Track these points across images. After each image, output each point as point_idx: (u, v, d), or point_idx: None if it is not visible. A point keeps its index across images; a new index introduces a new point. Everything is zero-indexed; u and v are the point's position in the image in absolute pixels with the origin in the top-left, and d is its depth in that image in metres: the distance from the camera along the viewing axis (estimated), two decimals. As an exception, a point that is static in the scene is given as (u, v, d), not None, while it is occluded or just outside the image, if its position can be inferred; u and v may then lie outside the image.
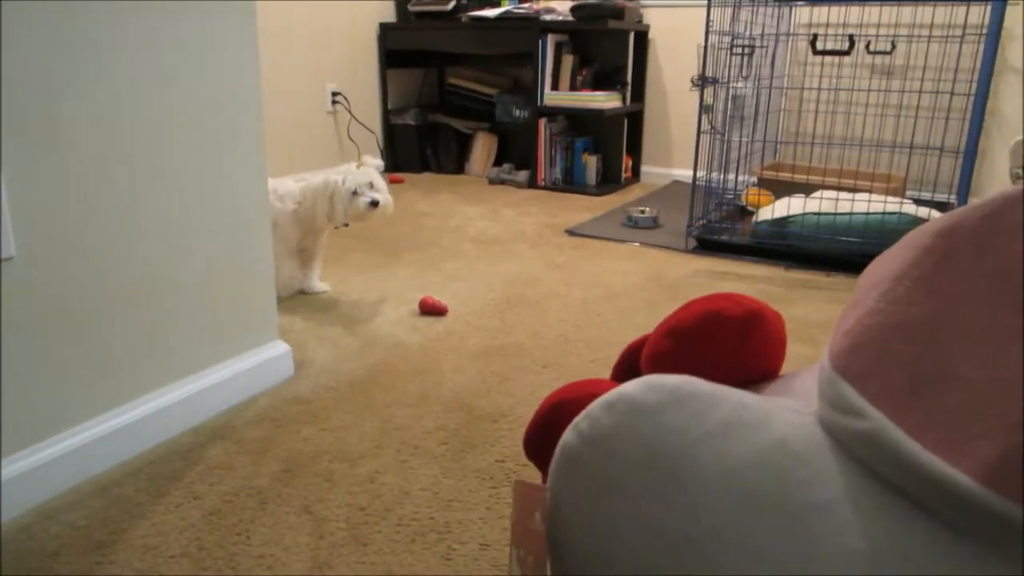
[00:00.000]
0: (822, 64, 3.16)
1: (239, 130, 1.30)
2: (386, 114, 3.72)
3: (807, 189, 2.53)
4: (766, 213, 2.36)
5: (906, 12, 2.92)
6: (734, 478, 0.41)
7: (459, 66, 3.91)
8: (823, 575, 0.38)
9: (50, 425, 1.09)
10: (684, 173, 3.56)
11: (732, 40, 2.40)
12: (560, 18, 3.29)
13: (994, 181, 2.67)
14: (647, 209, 2.73)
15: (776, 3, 2.77)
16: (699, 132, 2.38)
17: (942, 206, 2.65)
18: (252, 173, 1.35)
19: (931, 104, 2.94)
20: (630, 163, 3.62)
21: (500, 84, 3.78)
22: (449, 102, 3.90)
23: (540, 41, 3.25)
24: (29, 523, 1.03)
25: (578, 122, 3.54)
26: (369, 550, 0.99)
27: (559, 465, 0.48)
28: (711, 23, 2.26)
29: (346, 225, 1.92)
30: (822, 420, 0.44)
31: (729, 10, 2.37)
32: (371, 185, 1.87)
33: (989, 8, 2.19)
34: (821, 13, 3.09)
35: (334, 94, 3.41)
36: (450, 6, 3.49)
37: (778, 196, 2.52)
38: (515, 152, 3.71)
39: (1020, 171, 1.84)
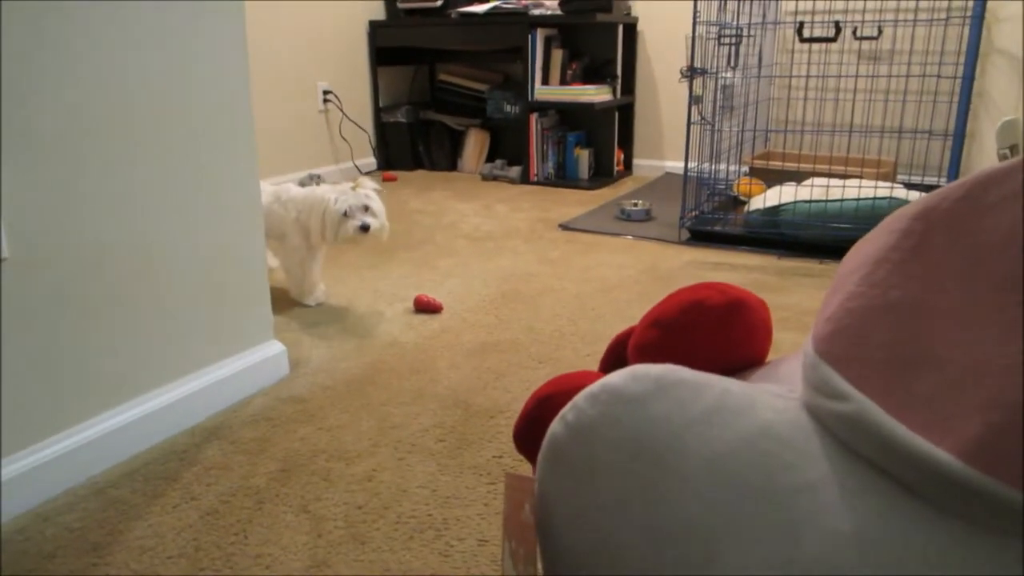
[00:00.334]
0: (810, 51, 3.16)
1: (230, 130, 1.30)
2: (377, 112, 3.71)
3: (798, 177, 2.54)
4: (758, 202, 2.37)
5: (893, -2, 2.92)
6: (719, 464, 0.42)
7: (449, 62, 3.90)
8: (809, 557, 0.38)
9: (45, 427, 1.09)
10: (676, 165, 3.56)
11: (720, 30, 2.40)
12: (549, 12, 3.29)
13: (983, 162, 2.68)
14: (640, 202, 2.74)
15: (764, -8, 2.77)
16: (689, 123, 2.39)
17: (933, 189, 2.66)
18: (243, 173, 1.34)
19: (919, 88, 2.95)
20: (622, 156, 3.62)
21: (491, 80, 3.78)
22: (440, 99, 3.90)
23: (529, 36, 3.25)
24: (25, 525, 1.03)
25: (569, 116, 3.54)
26: (367, 548, 0.99)
27: (546, 456, 0.49)
28: (698, 14, 2.26)
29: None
30: (807, 404, 0.45)
31: (716, 1, 2.37)
32: (366, 208, 1.77)
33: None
34: (807, 1, 3.09)
35: (325, 93, 3.40)
36: (439, 2, 3.48)
37: (770, 185, 2.53)
38: (507, 148, 3.70)
39: (1007, 151, 1.85)
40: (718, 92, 2.50)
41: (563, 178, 3.45)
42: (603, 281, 2.04)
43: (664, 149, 3.61)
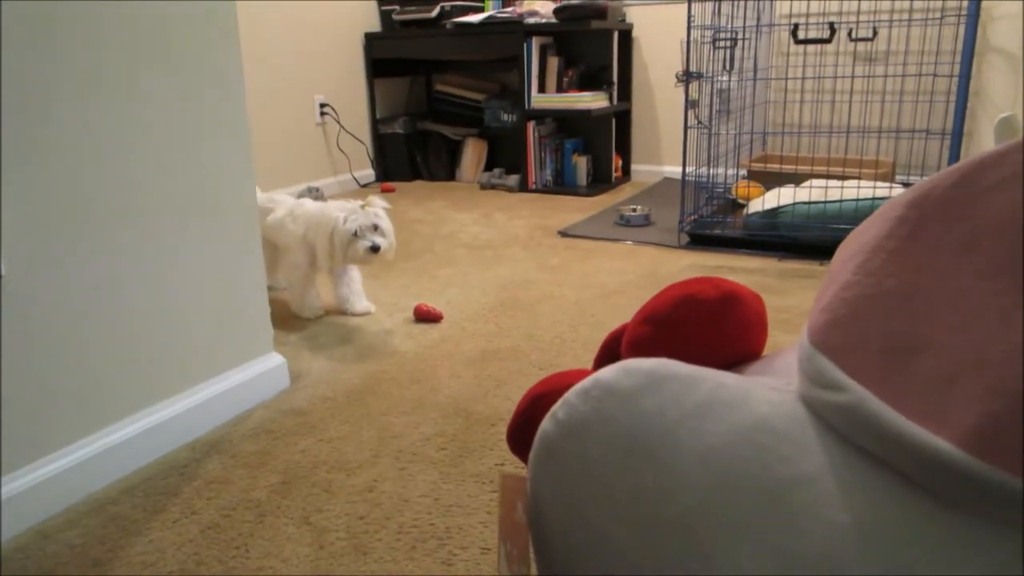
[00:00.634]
0: (805, 54, 3.16)
1: (227, 147, 1.30)
2: (375, 123, 3.72)
3: (797, 179, 2.53)
4: (757, 205, 2.36)
5: (887, -1, 2.92)
6: (713, 458, 0.41)
7: (446, 73, 3.91)
8: (808, 549, 0.38)
9: (44, 444, 1.09)
10: (674, 170, 3.56)
11: (715, 34, 2.40)
12: (544, 21, 3.29)
13: (983, 163, 2.66)
14: (639, 207, 2.74)
15: (757, -4, 2.78)
16: (686, 127, 2.39)
17: (932, 190, 2.65)
18: (240, 187, 1.34)
19: (916, 88, 2.95)
20: (620, 162, 3.62)
21: (487, 89, 3.79)
22: (437, 109, 3.91)
23: (525, 44, 3.26)
24: (25, 543, 1.02)
25: (566, 124, 3.55)
26: (370, 559, 0.98)
27: (537, 454, 0.48)
28: (692, 18, 2.26)
29: None
30: (803, 396, 0.44)
31: (710, 4, 2.38)
32: (375, 228, 1.75)
33: (969, -10, 2.19)
34: (802, 3, 3.10)
35: (322, 106, 3.41)
36: (434, 13, 3.49)
37: (768, 188, 2.52)
38: (505, 156, 3.71)
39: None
40: (714, 96, 2.51)
41: (561, 185, 3.45)
42: (603, 287, 2.03)
43: (662, 154, 3.61)
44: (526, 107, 3.34)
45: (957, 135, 2.19)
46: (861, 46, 3.04)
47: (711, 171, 2.58)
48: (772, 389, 0.45)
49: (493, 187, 3.50)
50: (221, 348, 1.35)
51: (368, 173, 3.71)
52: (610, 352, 0.67)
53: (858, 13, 2.95)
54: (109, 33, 1.10)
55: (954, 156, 2.27)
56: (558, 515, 0.45)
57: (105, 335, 1.15)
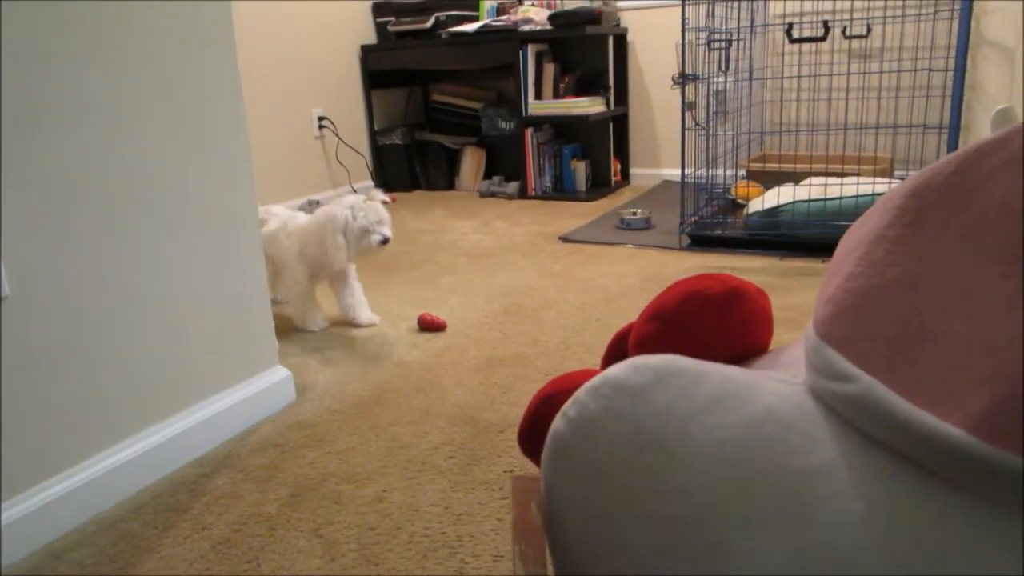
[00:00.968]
0: (800, 53, 3.17)
1: (228, 162, 1.31)
2: (373, 135, 3.73)
3: (796, 178, 2.54)
4: (757, 204, 2.36)
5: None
6: (725, 451, 0.41)
7: (442, 83, 3.92)
8: (821, 539, 0.38)
9: (53, 464, 1.09)
10: (673, 173, 3.56)
11: (709, 36, 2.41)
12: (538, 28, 3.31)
13: (982, 156, 2.66)
14: (639, 210, 2.74)
15: (750, -4, 2.79)
16: (683, 129, 2.39)
17: (932, 184, 2.65)
18: (242, 203, 1.35)
19: (911, 83, 2.95)
20: (619, 166, 3.62)
21: (484, 98, 3.80)
22: (435, 119, 3.92)
23: (520, 52, 3.27)
24: (37, 563, 1.02)
25: (564, 129, 3.56)
26: (381, 569, 0.98)
27: (549, 454, 0.48)
28: (687, 20, 2.27)
29: None
30: (811, 388, 0.44)
31: (704, 6, 2.39)
32: (380, 221, 1.79)
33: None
34: (795, 3, 3.11)
35: (320, 119, 3.42)
36: (429, 24, 3.51)
37: (767, 187, 2.53)
38: (504, 164, 3.72)
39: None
40: (711, 97, 2.51)
41: (561, 191, 3.46)
42: (606, 291, 2.03)
43: (660, 157, 3.61)
44: (523, 114, 3.35)
45: (954, 128, 2.19)
46: (856, 43, 3.05)
47: (710, 172, 2.58)
48: (779, 381, 0.45)
49: (493, 195, 3.51)
50: (226, 363, 1.35)
51: (368, 185, 3.72)
52: (617, 352, 0.67)
53: (851, 11, 2.95)
54: (108, 55, 1.11)
55: (952, 149, 2.27)
56: (572, 513, 0.45)
57: (109, 353, 1.15)
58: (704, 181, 2.56)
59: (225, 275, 1.33)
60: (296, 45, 3.28)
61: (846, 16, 2.98)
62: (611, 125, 3.51)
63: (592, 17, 3.18)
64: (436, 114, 3.91)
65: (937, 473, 0.38)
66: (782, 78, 3.17)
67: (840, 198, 2.19)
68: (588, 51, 3.47)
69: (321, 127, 3.43)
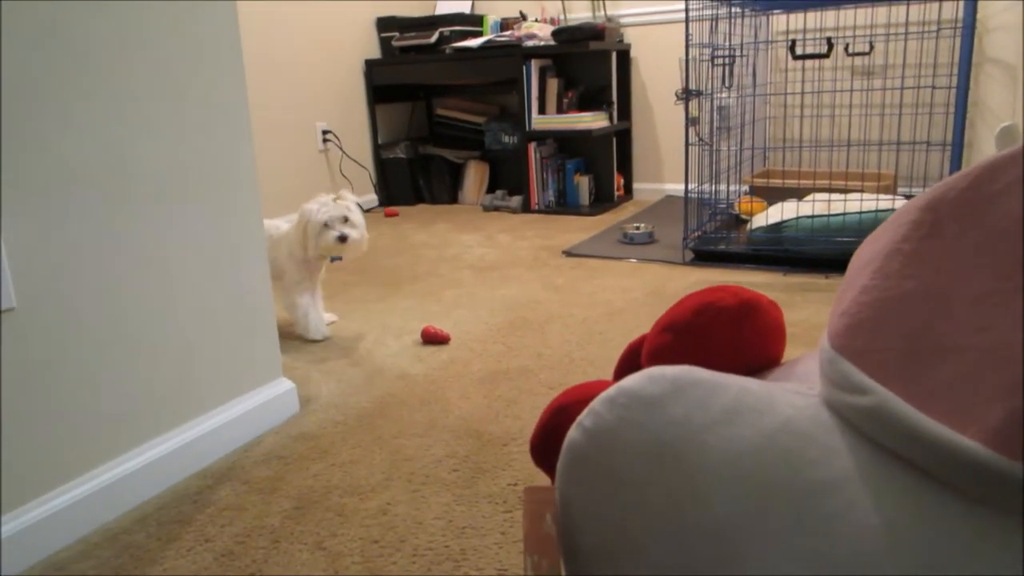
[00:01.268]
0: (803, 70, 3.19)
1: (233, 174, 1.31)
2: (377, 149, 3.74)
3: (799, 193, 2.54)
4: (760, 220, 2.37)
5: (881, 13, 2.95)
6: (742, 463, 0.41)
7: (446, 97, 3.94)
8: (841, 552, 0.38)
9: (56, 476, 1.09)
10: (676, 188, 3.57)
11: (713, 51, 2.42)
12: (542, 43, 3.33)
13: (984, 172, 2.67)
14: (642, 225, 2.74)
15: (753, 12, 2.81)
16: (687, 144, 2.40)
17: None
18: (247, 214, 1.35)
19: (914, 101, 2.97)
20: (622, 181, 3.64)
21: (488, 112, 3.82)
22: (439, 133, 3.94)
23: (524, 67, 3.28)
24: (40, 575, 1.02)
25: (567, 144, 3.57)
26: (385, 582, 0.97)
27: (565, 464, 0.48)
28: (690, 36, 2.29)
29: (339, 258, 1.90)
30: (826, 400, 0.44)
31: (708, 23, 2.40)
32: (345, 220, 1.82)
33: (962, 3, 2.21)
34: (798, 20, 3.13)
35: (324, 132, 3.44)
36: (433, 39, 3.53)
37: (771, 203, 2.53)
38: (507, 178, 3.73)
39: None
40: (714, 113, 2.52)
41: (564, 205, 3.47)
42: (609, 305, 2.03)
43: (663, 172, 3.63)
44: (527, 129, 3.36)
45: (958, 146, 2.20)
46: (858, 60, 3.06)
47: (714, 187, 2.59)
48: (795, 394, 0.45)
49: (496, 209, 3.52)
50: (230, 375, 1.35)
51: (371, 198, 3.73)
52: (629, 364, 0.67)
53: (854, 28, 2.97)
54: (118, 69, 1.12)
55: (955, 167, 2.28)
56: (588, 524, 0.45)
57: (113, 365, 1.15)
58: (708, 196, 2.57)
59: (229, 287, 1.33)
60: (300, 59, 3.30)
61: (848, 33, 3.00)
62: (614, 140, 3.52)
63: (595, 33, 3.20)
64: (440, 128, 3.93)
65: (953, 485, 0.38)
66: (785, 94, 3.19)
67: (844, 214, 2.19)
68: (591, 66, 3.49)
69: (325, 140, 3.45)
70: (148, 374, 1.20)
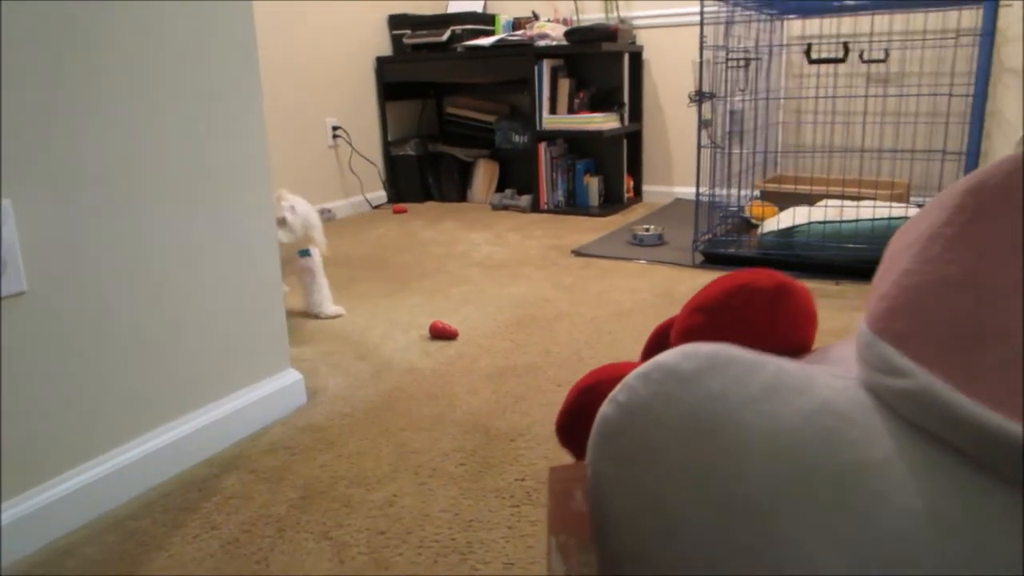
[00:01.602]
0: (817, 75, 3.18)
1: (245, 166, 1.31)
2: (386, 146, 3.74)
3: (810, 199, 2.53)
4: (772, 224, 2.36)
5: (898, 20, 2.94)
6: (781, 441, 0.40)
7: (457, 95, 3.94)
8: (882, 534, 0.37)
9: (63, 461, 1.08)
10: (685, 191, 3.56)
11: (728, 54, 2.42)
12: (554, 43, 3.32)
13: (997, 182, 2.66)
14: (652, 227, 2.73)
15: (768, 16, 2.80)
16: (699, 147, 2.39)
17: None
18: (258, 206, 1.35)
19: (929, 109, 2.95)
20: (631, 183, 3.63)
21: (498, 111, 3.81)
22: (449, 131, 3.93)
23: (536, 67, 3.28)
24: (46, 559, 1.02)
25: (578, 145, 3.56)
26: (391, 573, 0.97)
27: (597, 439, 0.47)
28: (704, 39, 2.28)
29: (307, 253, 1.94)
30: (865, 383, 0.43)
31: (722, 26, 2.40)
32: (283, 221, 1.88)
33: (982, 11, 2.20)
34: (813, 25, 3.12)
35: (334, 128, 3.44)
36: (445, 37, 3.53)
37: (782, 208, 2.52)
38: (517, 177, 3.72)
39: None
40: (726, 116, 2.51)
41: (573, 206, 3.46)
42: (618, 305, 2.02)
43: (673, 175, 3.62)
44: (537, 128, 3.36)
45: (973, 155, 2.19)
46: (873, 67, 3.05)
47: (726, 191, 2.58)
48: (833, 376, 0.45)
49: (505, 208, 3.51)
50: (238, 365, 1.35)
51: (380, 195, 3.73)
52: (657, 346, 0.66)
53: (871, 35, 2.96)
54: (138, 67, 1.11)
55: (969, 175, 2.27)
56: (621, 499, 0.44)
57: (123, 352, 1.15)
58: (719, 199, 2.56)
59: (240, 279, 1.33)
60: (312, 55, 3.30)
61: (864, 40, 2.99)
62: (625, 142, 3.52)
63: (608, 34, 3.20)
64: (450, 126, 3.93)
65: (995, 469, 0.37)
66: (800, 98, 3.18)
67: (856, 221, 2.18)
68: (603, 67, 3.48)
69: (335, 136, 3.44)
70: (156, 362, 1.20)
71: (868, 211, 2.20)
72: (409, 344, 1.78)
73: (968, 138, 2.21)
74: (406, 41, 3.63)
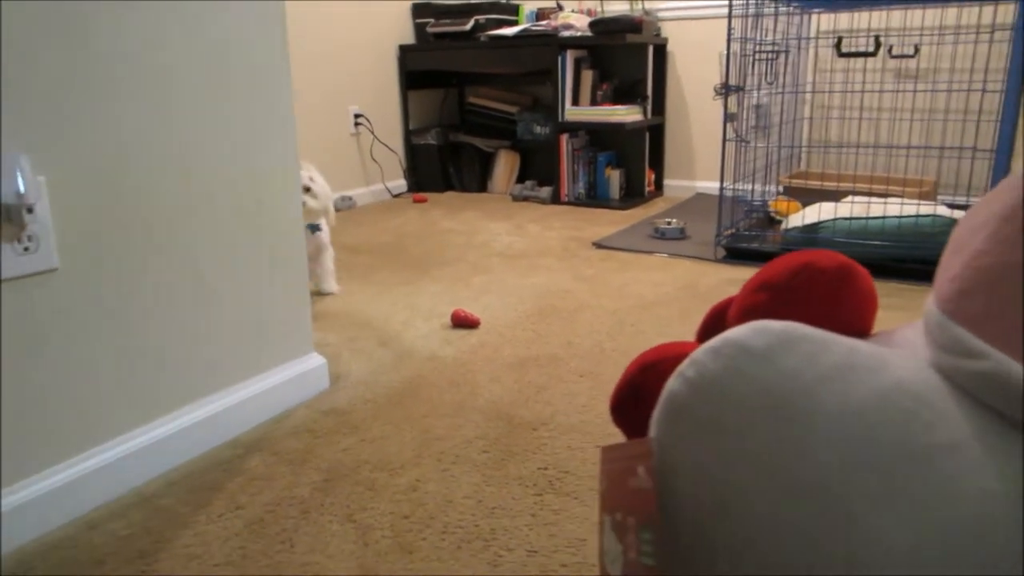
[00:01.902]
0: (845, 71, 3.14)
1: (274, 155, 1.31)
2: (408, 134, 3.74)
3: (836, 196, 2.50)
4: (796, 220, 2.34)
5: (928, 15, 2.90)
6: (855, 420, 0.39)
7: (479, 85, 3.93)
8: (964, 516, 0.36)
9: (90, 437, 1.09)
10: (707, 185, 3.54)
11: (756, 46, 2.39)
12: (578, 34, 3.30)
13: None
14: (674, 220, 2.72)
15: (797, 8, 2.77)
16: (724, 140, 2.37)
17: (974, 209, 2.60)
18: (286, 191, 1.35)
19: (959, 106, 2.91)
20: (653, 176, 3.61)
21: (520, 102, 3.80)
22: (470, 121, 3.92)
23: (559, 58, 3.26)
24: (73, 533, 1.02)
25: (600, 137, 3.54)
26: (415, 557, 0.97)
27: (665, 414, 0.47)
28: (732, 31, 2.26)
29: (317, 227, 1.96)
30: (936, 365, 0.43)
31: (750, 18, 2.37)
32: (307, 190, 1.93)
33: (1016, 7, 2.16)
34: (841, 20, 3.08)
35: (356, 116, 3.44)
36: (468, 26, 3.52)
37: (805, 204, 2.50)
38: (537, 168, 3.71)
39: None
40: (752, 111, 2.49)
41: (594, 198, 3.44)
42: (640, 298, 2.01)
43: (695, 169, 3.59)
44: (559, 120, 3.34)
45: (1004, 153, 2.16)
46: (902, 63, 3.01)
47: (750, 186, 2.56)
48: (904, 357, 0.44)
49: (525, 199, 3.50)
50: (263, 347, 1.35)
51: (400, 183, 3.73)
52: (714, 326, 0.65)
53: (900, 30, 2.92)
54: (173, 60, 1.11)
55: (999, 175, 2.24)
56: (690, 475, 0.44)
57: (150, 332, 1.15)
58: (742, 194, 2.54)
59: (265, 262, 1.33)
60: (335, 43, 3.30)
61: (893, 35, 2.95)
62: (647, 135, 3.49)
63: (633, 26, 3.18)
64: (471, 116, 3.92)
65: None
66: (828, 93, 3.14)
67: (883, 218, 2.15)
68: (627, 59, 3.46)
69: (357, 124, 3.44)
70: (183, 342, 1.20)
71: (895, 208, 2.17)
72: (430, 332, 1.78)
73: (999, 136, 2.18)
74: (429, 30, 3.62)
